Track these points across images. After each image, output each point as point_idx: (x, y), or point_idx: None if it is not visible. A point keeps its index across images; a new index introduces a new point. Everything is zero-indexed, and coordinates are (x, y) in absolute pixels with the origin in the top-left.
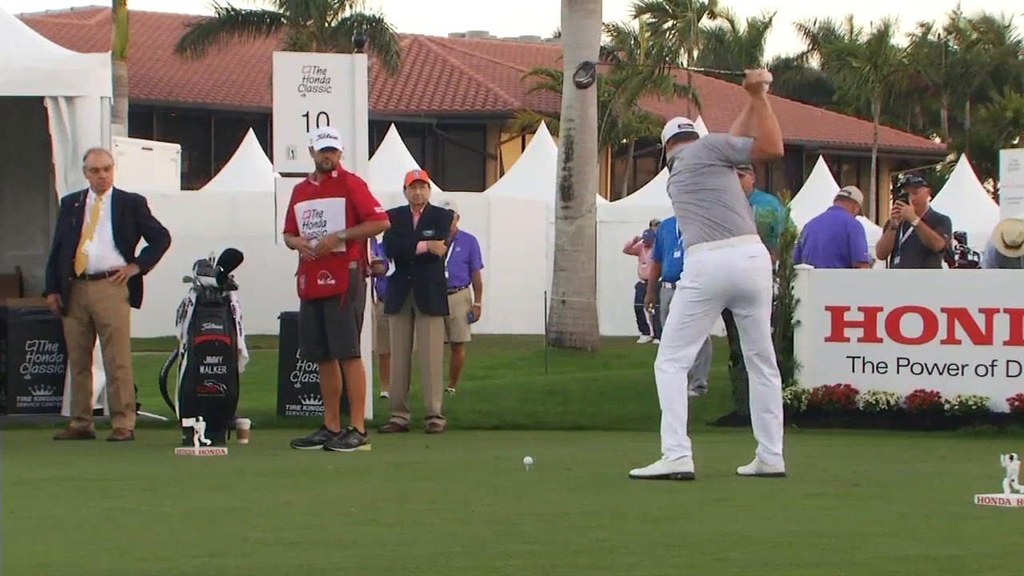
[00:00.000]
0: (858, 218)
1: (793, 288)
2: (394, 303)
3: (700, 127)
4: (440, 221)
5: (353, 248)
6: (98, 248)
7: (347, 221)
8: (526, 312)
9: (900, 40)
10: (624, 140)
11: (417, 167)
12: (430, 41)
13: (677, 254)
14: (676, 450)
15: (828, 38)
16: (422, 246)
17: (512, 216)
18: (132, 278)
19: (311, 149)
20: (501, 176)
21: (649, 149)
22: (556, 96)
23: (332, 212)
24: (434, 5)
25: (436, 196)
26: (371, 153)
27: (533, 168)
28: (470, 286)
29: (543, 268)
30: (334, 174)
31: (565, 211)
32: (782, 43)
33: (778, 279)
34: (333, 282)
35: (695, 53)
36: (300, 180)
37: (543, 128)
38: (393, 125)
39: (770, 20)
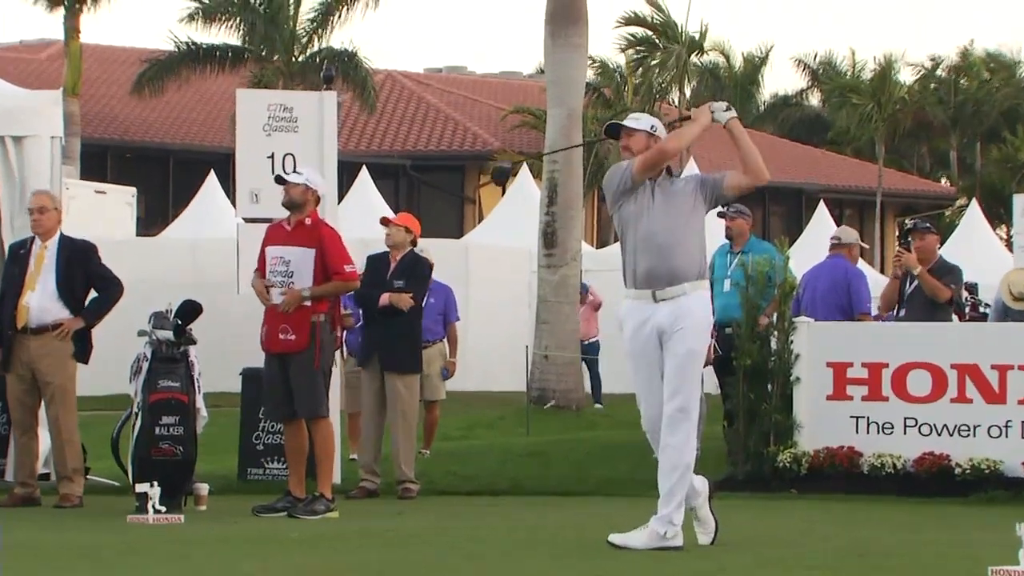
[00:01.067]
0: (860, 265)
1: (792, 343)
2: (363, 357)
3: (692, 168)
4: (414, 271)
5: (321, 301)
6: (40, 299)
7: (315, 275)
8: (506, 368)
9: (906, 76)
10: None
11: (390, 211)
12: (404, 77)
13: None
14: (675, 526)
15: (829, 74)
16: (384, 298)
17: (491, 264)
18: (79, 332)
19: None
20: (480, 221)
21: None
22: (539, 136)
23: (299, 263)
24: (408, 39)
25: None
26: (341, 196)
27: (514, 213)
28: (445, 340)
29: (524, 320)
30: (308, 221)
31: (548, 259)
32: (781, 79)
33: (776, 332)
34: (293, 337)
35: (687, 89)
36: (273, 222)
37: (525, 170)
38: (364, 167)
39: (767, 55)
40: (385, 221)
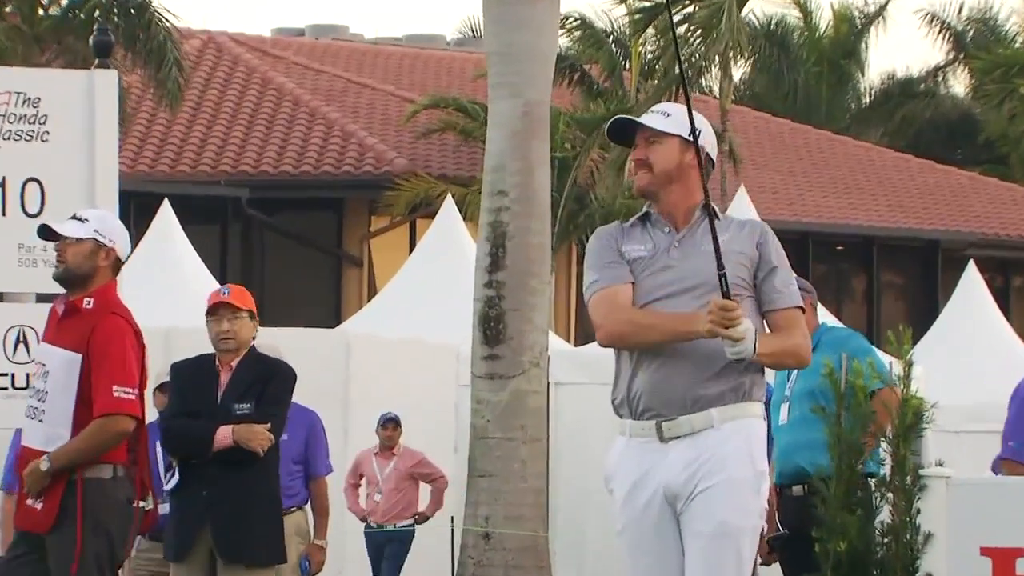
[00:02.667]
0: None
1: (919, 511)
2: (180, 542)
3: (743, 203)
4: (267, 385)
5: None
6: None
7: (77, 400)
8: (417, 554)
9: None
10: None
11: (215, 284)
12: (237, 43)
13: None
14: None
15: (982, 41)
16: (223, 435)
17: (391, 372)
18: None
19: None
20: (371, 296)
21: None
22: (473, 148)
23: (59, 377)
24: None
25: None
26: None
27: (432, 281)
28: (306, 506)
29: (449, 470)
30: (88, 303)
31: (490, 364)
32: (900, 51)
33: (890, 494)
34: (39, 506)
35: (735, 69)
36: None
37: (449, 206)
38: (166, 200)
39: (881, 10)
40: (221, 308)
